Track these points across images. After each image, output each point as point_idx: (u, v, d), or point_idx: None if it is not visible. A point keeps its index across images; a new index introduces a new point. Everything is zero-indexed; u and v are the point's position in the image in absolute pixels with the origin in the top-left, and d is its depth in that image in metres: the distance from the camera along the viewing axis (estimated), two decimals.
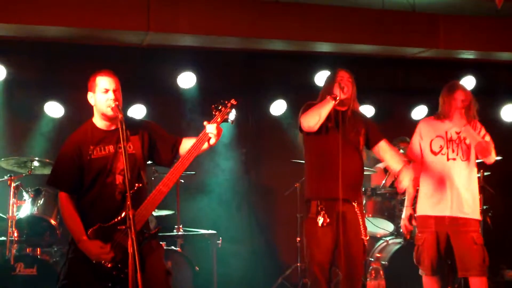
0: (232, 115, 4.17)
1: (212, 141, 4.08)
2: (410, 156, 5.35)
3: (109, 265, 3.99)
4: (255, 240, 7.92)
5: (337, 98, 4.76)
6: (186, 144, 4.21)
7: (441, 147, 5.20)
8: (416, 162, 5.27)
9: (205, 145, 4.11)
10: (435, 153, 5.23)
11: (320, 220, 4.66)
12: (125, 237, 3.95)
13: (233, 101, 4.18)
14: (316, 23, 7.04)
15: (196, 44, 7.29)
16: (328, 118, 4.83)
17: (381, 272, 4.49)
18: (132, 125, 4.20)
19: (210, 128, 4.07)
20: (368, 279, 4.49)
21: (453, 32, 7.43)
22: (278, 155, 7.89)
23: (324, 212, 4.69)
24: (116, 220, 4.03)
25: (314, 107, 4.84)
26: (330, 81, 5.02)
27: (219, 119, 4.12)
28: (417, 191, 5.35)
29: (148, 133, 4.27)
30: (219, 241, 6.64)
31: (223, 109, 4.15)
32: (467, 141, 5.20)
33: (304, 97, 7.90)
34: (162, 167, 4.39)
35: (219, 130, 4.09)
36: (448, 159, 5.19)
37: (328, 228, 4.69)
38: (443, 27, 7.39)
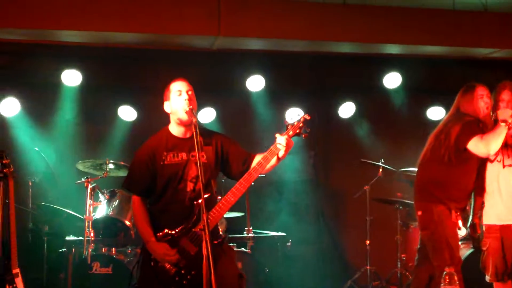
0: (305, 129, 4.15)
1: (281, 153, 4.09)
2: None
3: (173, 270, 4.09)
4: (324, 242, 7.92)
5: (509, 123, 4.88)
6: (258, 159, 4.21)
7: (496, 154, 5.05)
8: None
9: (275, 159, 4.12)
10: (491, 161, 5.09)
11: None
12: (190, 243, 4.09)
13: (306, 116, 4.17)
14: (384, 24, 6.99)
15: (265, 48, 7.34)
16: None
17: (455, 277, 4.42)
18: (206, 136, 4.27)
19: (280, 140, 4.08)
20: (442, 284, 4.42)
21: None
22: (347, 157, 7.91)
23: None
24: (184, 226, 4.12)
25: (490, 135, 4.89)
26: (469, 96, 5.14)
27: (290, 132, 4.12)
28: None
29: (222, 145, 4.33)
30: (289, 243, 6.67)
31: (295, 123, 4.14)
32: None
33: (372, 99, 8.00)
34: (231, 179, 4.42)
35: (289, 143, 4.09)
36: (504, 166, 5.05)
37: None
38: None
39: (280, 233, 6.83)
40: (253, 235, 6.55)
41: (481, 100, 5.09)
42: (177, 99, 4.20)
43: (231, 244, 6.20)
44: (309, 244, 7.71)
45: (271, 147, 4.11)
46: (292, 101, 7.66)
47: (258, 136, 7.31)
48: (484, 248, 5.14)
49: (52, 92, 7.21)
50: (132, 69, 7.52)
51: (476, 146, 4.89)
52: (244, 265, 5.98)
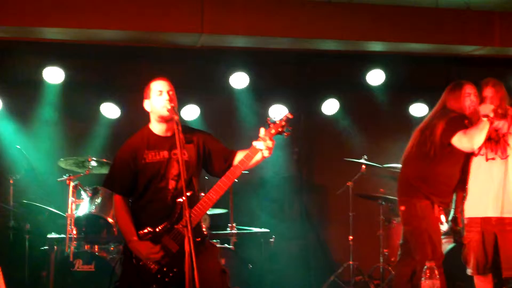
0: (287, 128, 4.15)
1: (266, 153, 4.09)
2: None
3: (155, 268, 4.09)
4: (308, 238, 7.94)
5: (491, 117, 4.90)
6: (240, 156, 4.22)
7: (480, 148, 5.08)
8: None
9: (259, 156, 4.12)
10: (475, 154, 5.14)
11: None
12: (172, 241, 4.09)
13: (288, 115, 4.17)
14: (369, 22, 7.00)
15: (249, 45, 7.33)
16: None
17: (436, 271, 4.46)
18: (188, 133, 4.27)
19: (260, 144, 4.07)
20: (423, 279, 4.45)
21: (509, 29, 7.28)
22: (330, 154, 7.96)
23: None
24: (166, 224, 4.13)
25: (473, 129, 4.93)
26: (457, 94, 5.18)
27: (273, 131, 4.12)
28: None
29: (203, 142, 4.33)
30: (272, 239, 6.69)
31: (278, 121, 4.14)
32: (508, 139, 5.11)
33: (356, 96, 8.02)
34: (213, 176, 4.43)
35: (272, 142, 4.08)
36: (487, 159, 5.10)
37: None
38: (498, 25, 7.25)
39: (263, 229, 6.84)
40: (237, 231, 6.56)
41: (468, 98, 5.14)
42: (158, 99, 4.19)
43: (214, 241, 6.21)
44: (292, 240, 7.72)
45: (253, 145, 4.11)
46: (276, 98, 7.67)
47: (242, 133, 7.32)
48: (466, 242, 5.19)
49: (34, 89, 7.17)
50: (115, 67, 7.50)
51: (460, 141, 4.93)
52: (227, 262, 5.99)
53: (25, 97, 7.22)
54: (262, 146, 4.07)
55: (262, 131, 4.11)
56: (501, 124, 5.05)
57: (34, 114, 7.21)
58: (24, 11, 6.25)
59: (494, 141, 5.11)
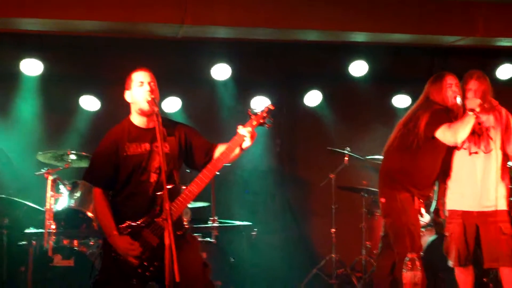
0: (269, 120, 4.12)
1: (245, 144, 4.05)
2: None
3: (135, 263, 4.04)
4: (290, 231, 7.94)
5: (477, 112, 4.87)
6: (221, 149, 4.18)
7: (463, 141, 5.07)
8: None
9: (238, 150, 4.09)
10: (458, 148, 5.13)
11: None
12: (152, 235, 4.04)
13: (270, 106, 4.14)
14: (351, 12, 6.96)
15: (230, 36, 7.26)
16: None
17: (417, 263, 4.47)
18: (169, 126, 4.23)
19: (244, 131, 4.05)
20: (404, 270, 4.46)
21: (491, 19, 7.26)
22: (313, 146, 7.95)
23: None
24: (146, 218, 4.07)
25: (458, 123, 4.92)
26: (438, 85, 5.18)
27: (254, 123, 4.08)
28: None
29: (185, 135, 4.29)
30: (254, 232, 6.65)
31: (259, 113, 4.11)
32: (491, 133, 5.09)
33: (338, 87, 7.99)
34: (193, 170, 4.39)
35: (253, 134, 4.06)
36: (470, 154, 5.09)
37: None
38: (481, 14, 7.23)
39: (245, 223, 6.80)
40: (218, 224, 6.52)
41: (450, 89, 5.13)
42: (139, 90, 4.14)
43: (195, 234, 6.17)
44: (274, 233, 7.70)
45: (235, 137, 4.06)
46: (258, 89, 7.65)
47: (224, 125, 7.30)
48: (447, 234, 5.20)
49: (11, 81, 7.08)
50: (95, 58, 7.40)
51: (444, 134, 4.92)
52: (209, 255, 5.96)
53: (2, 90, 7.13)
54: (245, 133, 4.02)
55: (240, 127, 4.07)
56: (485, 118, 5.05)
57: (11, 107, 7.13)
58: (0, 1, 6.15)
59: (477, 135, 5.10)
